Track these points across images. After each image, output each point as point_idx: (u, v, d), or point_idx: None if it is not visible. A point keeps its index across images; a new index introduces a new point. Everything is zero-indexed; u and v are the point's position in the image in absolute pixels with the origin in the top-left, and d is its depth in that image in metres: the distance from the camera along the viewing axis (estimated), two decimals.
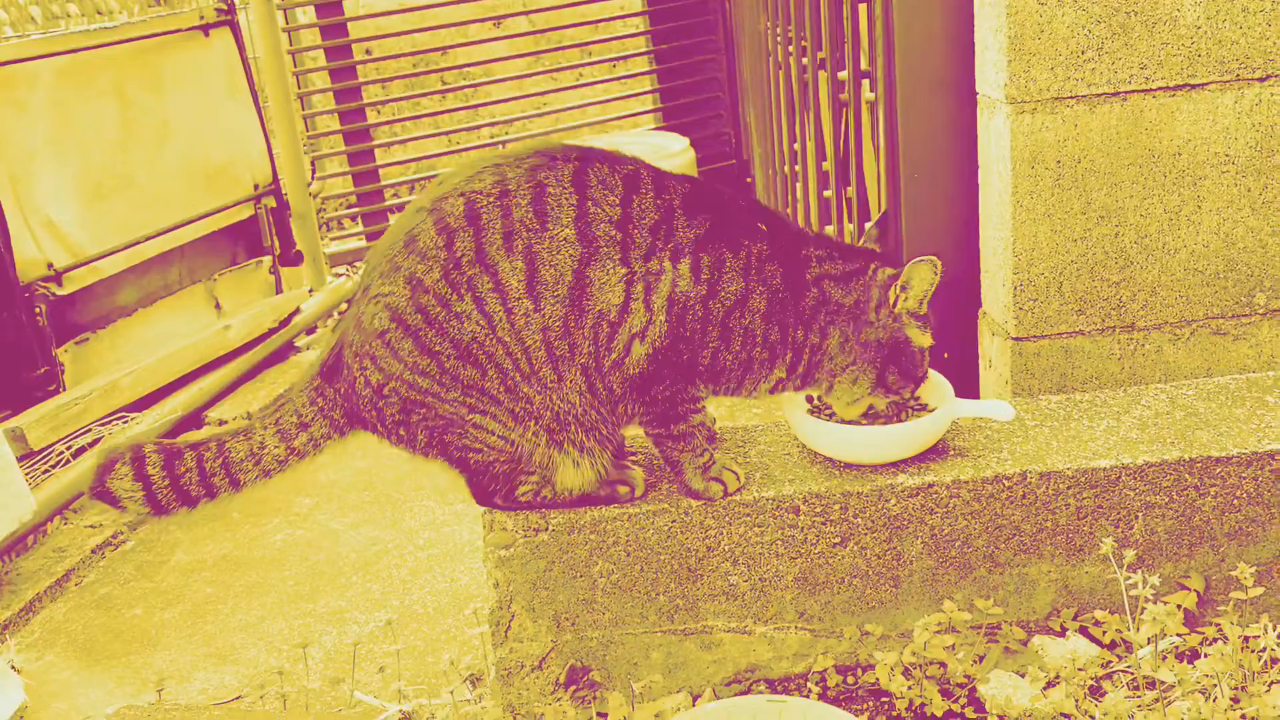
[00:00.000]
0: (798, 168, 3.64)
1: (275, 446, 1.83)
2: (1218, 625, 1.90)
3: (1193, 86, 2.07)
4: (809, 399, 2.01)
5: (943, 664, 1.86)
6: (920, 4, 2.24)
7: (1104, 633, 1.91)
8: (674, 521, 1.87)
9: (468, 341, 1.72)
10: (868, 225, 1.98)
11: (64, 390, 3.46)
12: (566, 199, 1.71)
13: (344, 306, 4.81)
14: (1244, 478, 1.87)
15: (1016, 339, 2.19)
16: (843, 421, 1.92)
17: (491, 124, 5.70)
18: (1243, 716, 1.69)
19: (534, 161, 1.74)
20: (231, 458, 1.82)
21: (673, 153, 4.57)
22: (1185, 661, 1.86)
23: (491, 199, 1.71)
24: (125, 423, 3.51)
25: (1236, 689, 1.75)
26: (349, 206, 5.31)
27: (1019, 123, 2.07)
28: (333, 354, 1.83)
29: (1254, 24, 2.04)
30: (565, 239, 1.70)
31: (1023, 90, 2.06)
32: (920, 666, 1.85)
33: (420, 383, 1.75)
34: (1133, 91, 2.07)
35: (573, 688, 1.94)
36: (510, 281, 1.70)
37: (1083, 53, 2.04)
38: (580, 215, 1.71)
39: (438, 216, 1.72)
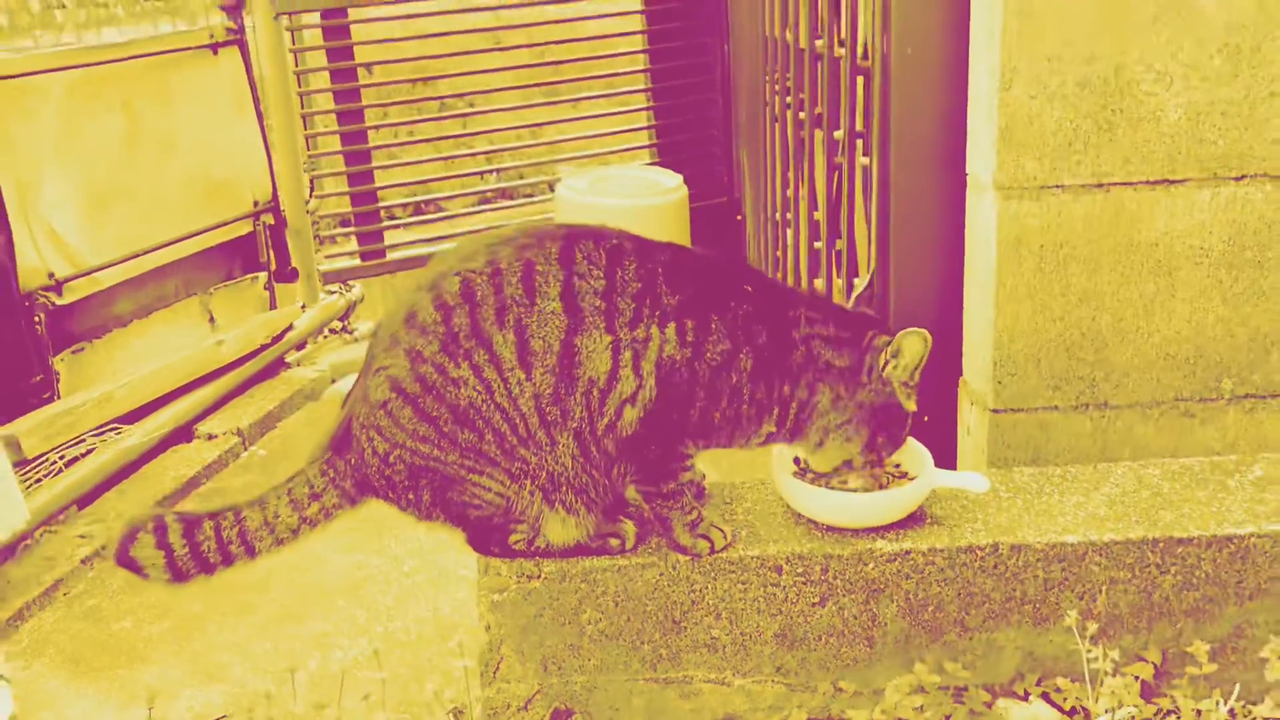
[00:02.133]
0: (790, 215, 3.74)
1: (289, 516, 1.92)
2: (1173, 698, 2.00)
3: (1172, 182, 2.19)
4: (795, 460, 2.10)
5: None
6: (916, 84, 2.35)
7: (1064, 699, 2.00)
8: (661, 575, 1.96)
9: (465, 406, 1.81)
10: (854, 293, 2.08)
11: (59, 399, 3.52)
12: (553, 274, 1.82)
13: (335, 324, 4.88)
14: (1203, 559, 1.98)
15: (995, 411, 2.29)
16: (828, 486, 2.01)
17: (488, 151, 5.79)
18: None
19: (523, 241, 1.85)
20: (247, 526, 1.91)
21: (666, 189, 4.66)
22: None
23: (485, 277, 1.82)
24: (117, 434, 3.56)
25: None
26: (343, 224, 5.37)
27: (1006, 208, 2.18)
28: (342, 427, 1.92)
29: (1231, 126, 2.16)
30: (552, 312, 1.80)
31: (1011, 177, 2.16)
32: None
33: (421, 448, 1.84)
34: (1115, 184, 2.18)
35: None
36: (503, 353, 1.80)
37: (1069, 145, 2.15)
38: (566, 289, 1.81)
39: (435, 294, 1.82)
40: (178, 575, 1.91)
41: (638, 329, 1.82)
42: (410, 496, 1.91)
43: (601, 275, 1.83)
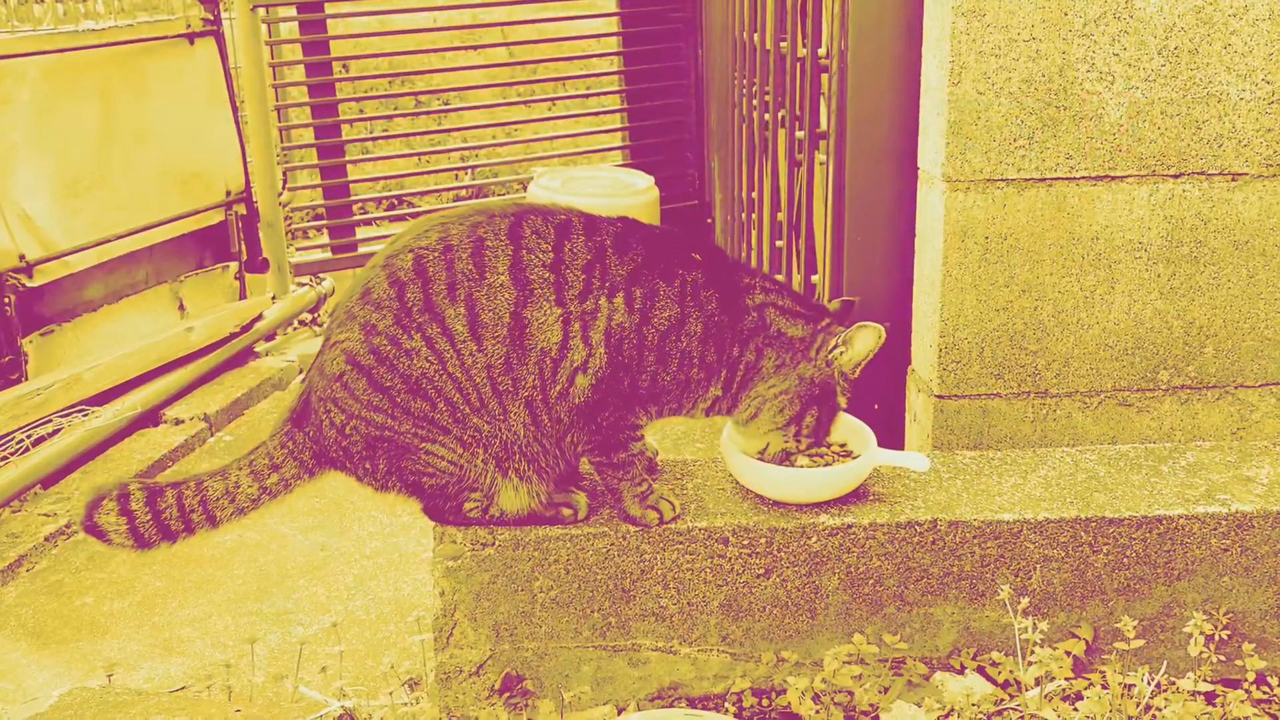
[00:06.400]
0: (754, 216, 3.81)
1: (249, 486, 1.98)
2: (1102, 672, 2.08)
3: (1113, 178, 2.27)
4: None
5: (850, 692, 2.01)
6: (872, 82, 2.43)
7: (999, 673, 2.07)
8: (612, 544, 2.01)
9: (417, 377, 1.87)
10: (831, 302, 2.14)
11: (26, 380, 3.54)
12: (502, 250, 1.88)
13: (305, 316, 4.92)
14: (1134, 539, 2.05)
15: (939, 397, 2.36)
16: (775, 462, 2.08)
17: (462, 149, 5.85)
18: None
19: (475, 219, 1.92)
20: (209, 495, 1.97)
21: (638, 190, 4.73)
22: (1070, 704, 2.03)
23: (437, 254, 1.88)
24: (85, 415, 3.59)
25: None
26: (316, 218, 5.42)
27: (953, 199, 2.26)
28: (301, 401, 1.99)
29: (1170, 126, 2.25)
30: (501, 285, 1.87)
31: (958, 170, 2.24)
32: (829, 693, 2.01)
33: (375, 418, 1.90)
34: (1058, 179, 2.26)
35: (506, 694, 2.07)
36: (455, 326, 1.86)
37: (1015, 140, 2.24)
38: (515, 263, 1.88)
39: (390, 271, 1.89)
40: (140, 542, 1.96)
41: (587, 301, 1.89)
42: (367, 466, 1.96)
43: (550, 249, 1.89)
